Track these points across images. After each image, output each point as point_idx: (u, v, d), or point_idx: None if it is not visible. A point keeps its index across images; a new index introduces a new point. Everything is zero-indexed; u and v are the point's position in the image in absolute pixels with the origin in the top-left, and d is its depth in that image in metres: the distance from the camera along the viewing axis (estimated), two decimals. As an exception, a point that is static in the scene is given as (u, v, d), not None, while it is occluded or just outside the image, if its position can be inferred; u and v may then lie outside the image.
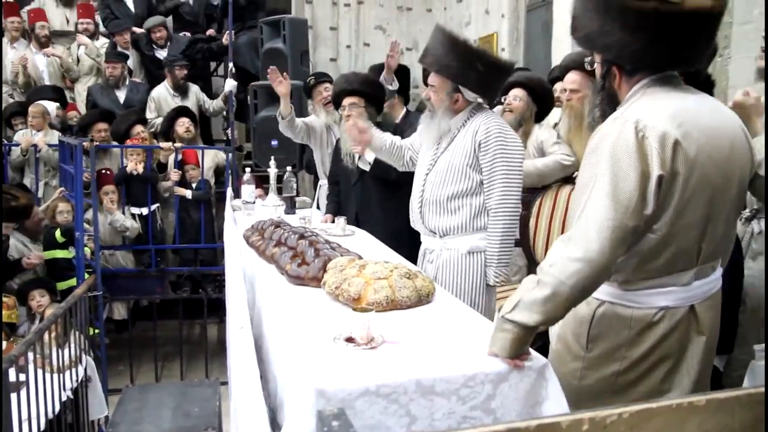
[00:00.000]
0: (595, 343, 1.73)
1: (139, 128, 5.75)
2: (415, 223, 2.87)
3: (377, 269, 2.04)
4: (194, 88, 6.35)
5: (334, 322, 1.81)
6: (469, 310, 2.04)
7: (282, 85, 3.98)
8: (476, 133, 2.63)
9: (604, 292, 1.70)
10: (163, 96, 6.22)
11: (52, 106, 5.84)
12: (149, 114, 6.18)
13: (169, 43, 6.61)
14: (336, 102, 3.81)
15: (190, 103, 6.24)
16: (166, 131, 5.87)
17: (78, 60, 6.55)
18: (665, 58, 1.62)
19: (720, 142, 1.61)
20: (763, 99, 2.07)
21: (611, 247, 1.50)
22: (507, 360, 1.54)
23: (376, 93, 3.69)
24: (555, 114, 3.81)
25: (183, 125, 5.79)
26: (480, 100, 2.71)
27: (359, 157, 3.60)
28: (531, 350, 1.60)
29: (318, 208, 4.41)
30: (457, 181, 2.66)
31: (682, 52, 1.61)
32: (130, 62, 6.57)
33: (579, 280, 1.49)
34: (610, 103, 1.74)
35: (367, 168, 3.61)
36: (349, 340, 1.66)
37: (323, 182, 4.41)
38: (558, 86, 3.62)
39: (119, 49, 6.51)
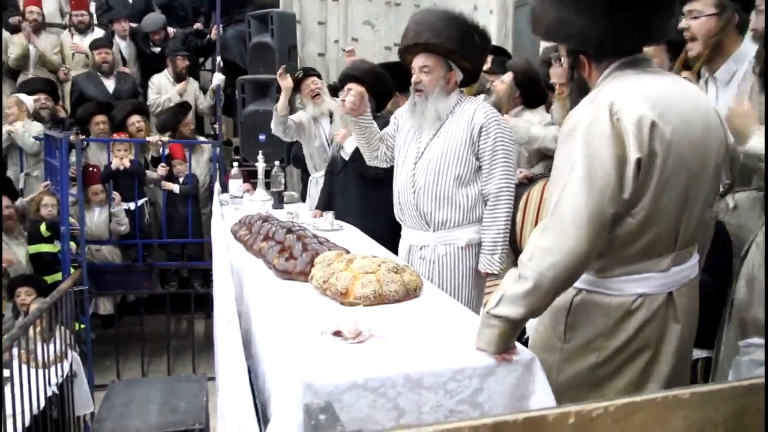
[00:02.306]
0: (572, 333, 1.69)
1: (135, 118, 5.73)
2: (405, 216, 2.80)
3: (365, 263, 2.05)
4: (194, 84, 6.36)
5: (322, 317, 1.81)
6: (457, 305, 2.04)
7: (287, 80, 4.05)
8: (473, 117, 2.62)
9: (581, 280, 1.65)
10: (163, 84, 6.26)
11: (29, 99, 5.71)
12: (152, 96, 6.18)
13: (165, 41, 6.63)
14: (342, 86, 3.81)
15: (189, 96, 6.26)
16: (174, 127, 5.92)
17: (72, 55, 6.47)
18: (627, 37, 1.60)
19: (694, 124, 1.58)
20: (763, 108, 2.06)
21: (589, 235, 1.47)
22: (494, 355, 1.54)
23: (378, 85, 3.64)
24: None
25: (187, 126, 5.88)
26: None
27: (340, 147, 3.58)
28: (518, 344, 1.60)
29: (304, 201, 4.41)
30: (455, 167, 2.63)
31: (642, 29, 1.60)
32: (126, 52, 6.56)
33: (559, 271, 1.47)
34: (581, 93, 1.71)
35: (347, 158, 3.59)
36: (337, 334, 1.66)
37: (314, 176, 4.40)
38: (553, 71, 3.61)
39: (117, 38, 6.50)
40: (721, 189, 2.50)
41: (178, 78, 6.25)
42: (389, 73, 4.08)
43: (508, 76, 3.54)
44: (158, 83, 6.27)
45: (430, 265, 2.71)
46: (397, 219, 2.88)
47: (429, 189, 2.66)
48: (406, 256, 2.82)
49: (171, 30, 6.75)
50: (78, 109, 5.88)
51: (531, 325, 1.90)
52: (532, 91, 3.61)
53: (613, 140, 1.48)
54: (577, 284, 1.66)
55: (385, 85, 3.73)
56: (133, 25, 6.62)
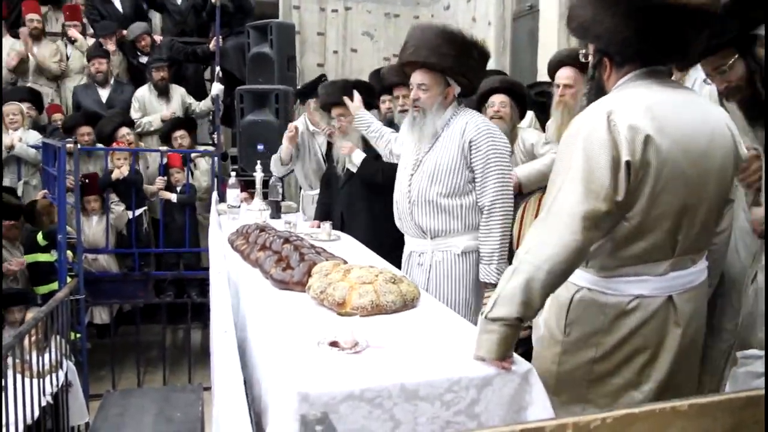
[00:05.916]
0: (572, 328, 1.76)
1: (124, 131, 5.72)
2: (403, 224, 2.83)
3: (362, 274, 2.04)
4: (179, 90, 6.33)
5: (319, 327, 1.81)
6: (454, 315, 2.04)
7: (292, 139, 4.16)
8: (464, 131, 2.62)
9: (583, 278, 1.74)
10: (147, 97, 6.21)
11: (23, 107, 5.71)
12: (134, 114, 6.14)
13: (152, 49, 6.60)
14: (325, 109, 3.84)
15: (175, 104, 6.23)
16: (166, 137, 5.96)
17: (67, 57, 6.46)
18: (653, 49, 1.65)
19: (697, 137, 1.62)
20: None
21: (584, 231, 1.53)
22: (494, 362, 1.54)
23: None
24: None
25: (183, 138, 5.89)
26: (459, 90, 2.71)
27: (348, 159, 3.59)
28: (515, 355, 1.60)
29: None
30: (446, 180, 2.64)
31: (671, 46, 1.64)
32: (116, 65, 6.52)
33: (554, 264, 1.52)
34: (598, 94, 1.77)
35: (354, 169, 3.60)
36: (334, 344, 1.66)
37: (308, 193, 4.40)
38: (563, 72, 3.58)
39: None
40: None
41: (159, 90, 6.19)
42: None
43: (506, 98, 3.51)
44: (141, 97, 6.21)
45: (427, 272, 2.72)
46: (399, 228, 2.91)
47: (424, 200, 2.69)
48: (407, 262, 2.85)
49: (157, 38, 6.75)
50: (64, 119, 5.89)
51: (540, 319, 1.93)
52: (523, 104, 3.63)
53: (610, 145, 1.55)
54: (579, 282, 1.75)
55: (368, 95, 3.70)
56: (124, 32, 6.60)
